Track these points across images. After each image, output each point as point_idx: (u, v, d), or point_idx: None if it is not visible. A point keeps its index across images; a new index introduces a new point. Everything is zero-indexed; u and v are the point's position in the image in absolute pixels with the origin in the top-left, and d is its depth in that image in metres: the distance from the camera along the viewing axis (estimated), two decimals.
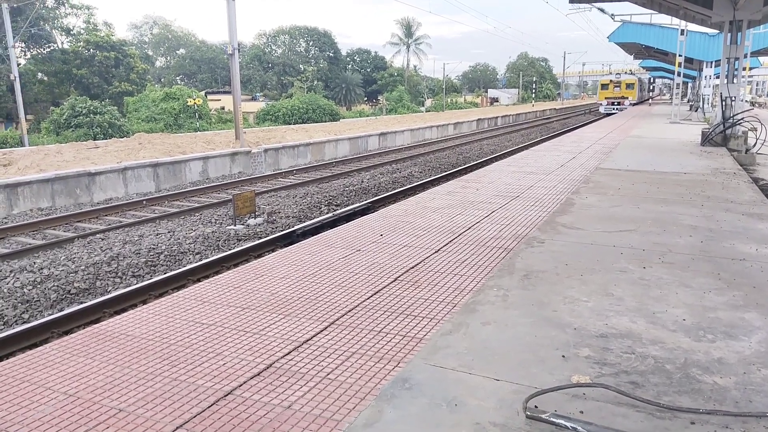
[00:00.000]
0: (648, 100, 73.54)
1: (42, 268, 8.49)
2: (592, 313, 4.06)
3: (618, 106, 49.19)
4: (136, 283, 7.76)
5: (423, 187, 14.67)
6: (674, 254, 5.48)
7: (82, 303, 7.07)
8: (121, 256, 9.06)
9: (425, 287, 4.76)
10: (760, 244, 5.84)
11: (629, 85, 51.44)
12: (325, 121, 41.31)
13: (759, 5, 16.38)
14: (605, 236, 6.18)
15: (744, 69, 25.93)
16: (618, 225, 6.70)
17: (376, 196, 13.98)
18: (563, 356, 3.39)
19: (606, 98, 51.47)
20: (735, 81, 17.05)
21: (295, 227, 10.29)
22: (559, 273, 4.95)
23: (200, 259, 8.90)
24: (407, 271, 5.21)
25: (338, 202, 13.53)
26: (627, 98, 50.27)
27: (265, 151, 19.85)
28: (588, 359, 3.34)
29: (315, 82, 70.47)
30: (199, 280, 7.49)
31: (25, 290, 7.59)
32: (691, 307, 4.14)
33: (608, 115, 44.59)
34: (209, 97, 52.77)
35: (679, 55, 28.79)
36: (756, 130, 17.10)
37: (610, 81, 52.46)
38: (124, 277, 8.21)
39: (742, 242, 5.91)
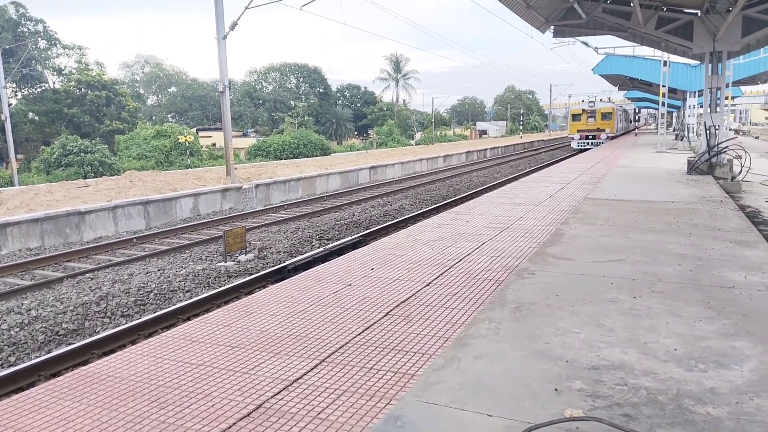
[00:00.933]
0: (634, 130, 73.30)
1: (30, 309, 8.38)
2: (584, 344, 4.05)
3: (593, 140, 41.29)
4: (126, 323, 7.67)
5: (414, 219, 14.71)
6: (664, 283, 5.50)
7: (70, 344, 6.97)
8: (110, 295, 8.97)
9: (416, 321, 4.74)
10: (749, 271, 5.88)
11: (606, 115, 42.48)
12: (316, 156, 41.55)
13: (737, 37, 16.82)
14: (595, 266, 6.20)
15: (726, 98, 26.47)
16: (607, 255, 6.73)
17: (367, 229, 13.99)
18: (556, 389, 3.37)
19: (578, 131, 42.89)
20: (718, 110, 17.38)
21: (286, 262, 10.25)
22: (551, 304, 4.95)
23: (190, 297, 8.82)
24: (398, 305, 5.19)
25: (329, 236, 13.53)
26: (604, 130, 41.78)
27: (256, 186, 19.90)
28: (581, 392, 3.32)
29: (306, 118, 71.07)
30: (189, 319, 7.42)
31: (12, 332, 7.48)
32: (682, 337, 4.14)
33: (582, 151, 37.71)
34: (200, 133, 53.07)
35: (663, 86, 29.38)
36: (741, 158, 17.37)
37: (583, 111, 43.39)
38: (113, 317, 8.12)
39: (730, 270, 5.94)
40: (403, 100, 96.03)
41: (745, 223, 8.75)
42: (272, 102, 78.15)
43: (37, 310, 8.33)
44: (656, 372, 3.57)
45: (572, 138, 43.64)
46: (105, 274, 10.44)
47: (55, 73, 52.08)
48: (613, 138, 42.82)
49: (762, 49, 23.53)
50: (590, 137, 41.62)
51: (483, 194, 15.91)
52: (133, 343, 6.73)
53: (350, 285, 5.91)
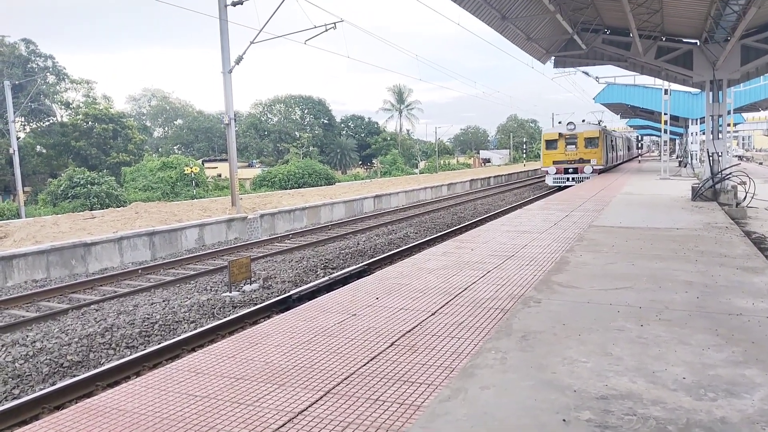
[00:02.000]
0: (637, 157, 73.46)
1: (35, 341, 8.36)
2: (592, 373, 4.01)
3: (574, 175, 31.77)
4: (130, 355, 7.64)
5: (419, 247, 14.70)
6: (671, 311, 5.46)
7: (74, 376, 6.93)
8: (115, 326, 8.95)
9: (422, 352, 4.71)
10: (756, 298, 5.83)
11: (590, 141, 32.07)
12: (321, 185, 41.78)
13: (736, 65, 17.00)
14: (601, 294, 6.17)
15: (728, 125, 26.63)
16: (614, 282, 6.69)
17: (372, 258, 13.98)
18: (564, 420, 3.33)
19: (554, 162, 32.60)
20: (720, 137, 17.47)
21: (291, 292, 10.23)
22: (557, 333, 4.91)
23: (195, 328, 8.79)
24: (404, 335, 5.16)
25: (334, 265, 13.51)
26: (588, 162, 31.79)
27: (261, 216, 19.97)
28: (589, 422, 3.28)
29: (310, 148, 71.73)
30: (193, 350, 7.39)
31: (16, 365, 7.45)
32: (690, 365, 4.10)
33: (560, 188, 29.47)
34: (206, 165, 53.54)
35: (664, 114, 29.56)
36: (745, 184, 17.37)
37: (560, 135, 32.67)
38: (117, 349, 8.08)
39: (738, 297, 5.90)
40: (407, 130, 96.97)
41: (751, 250, 8.71)
42: (277, 133, 78.94)
43: (42, 342, 8.31)
44: (665, 401, 3.52)
45: (546, 172, 33.21)
46: (110, 306, 10.43)
47: (63, 107, 52.91)
48: (601, 171, 32.67)
49: (762, 76, 23.73)
50: (570, 170, 32.09)
51: (487, 222, 15.91)
52: (138, 374, 6.70)
53: (355, 315, 5.89)
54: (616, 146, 43.13)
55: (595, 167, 31.89)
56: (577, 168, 31.98)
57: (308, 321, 5.75)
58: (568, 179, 31.87)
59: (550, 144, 33.21)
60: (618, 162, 45.47)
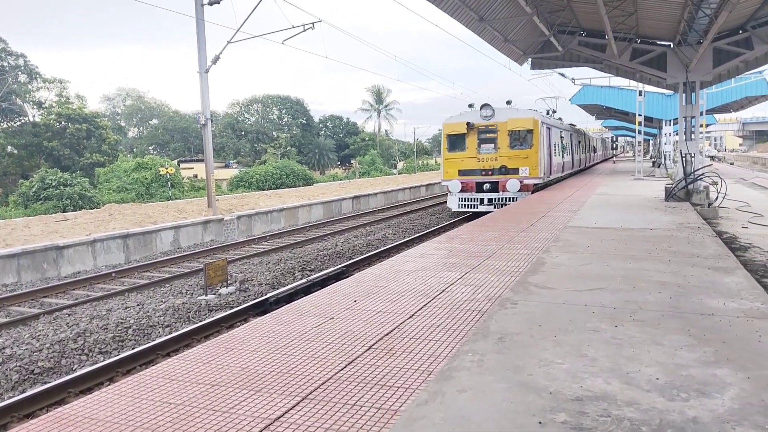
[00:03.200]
0: (612, 158, 74.52)
1: (4, 348, 8.17)
2: (567, 375, 4.04)
3: (492, 195, 20.45)
4: (103, 361, 7.50)
5: (397, 249, 14.72)
6: (645, 311, 5.53)
7: (45, 384, 6.79)
8: (88, 332, 8.79)
9: (400, 355, 4.70)
10: (727, 298, 5.94)
11: (518, 138, 20.52)
12: (299, 186, 41.58)
13: (709, 68, 17.34)
14: (576, 295, 6.23)
15: (701, 126, 27.15)
16: (589, 283, 6.76)
17: (350, 259, 13.96)
18: (540, 422, 3.34)
19: (460, 173, 20.90)
20: (693, 138, 17.79)
21: (268, 295, 10.16)
22: (533, 335, 4.94)
23: (170, 333, 8.68)
24: (381, 338, 5.15)
25: (312, 267, 13.45)
26: (516, 171, 20.29)
27: (238, 218, 19.80)
28: (564, 424, 3.30)
29: (288, 148, 71.34)
30: (168, 355, 7.29)
31: None
32: (663, 366, 4.15)
33: (476, 215, 18.80)
34: (182, 165, 52.91)
35: (639, 115, 30.02)
36: (717, 184, 17.71)
37: (468, 126, 20.71)
38: (90, 355, 7.94)
39: (710, 297, 6.00)
40: (385, 131, 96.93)
41: (722, 250, 8.88)
42: (254, 133, 78.39)
43: (12, 349, 8.12)
44: (639, 402, 3.56)
45: (448, 189, 21.18)
46: (83, 310, 10.25)
47: (35, 106, 51.83)
48: (541, 188, 21.44)
49: (733, 78, 24.23)
50: (487, 187, 20.44)
51: (465, 223, 16.00)
52: (111, 381, 6.59)
53: (333, 318, 5.86)
54: (582, 145, 34.33)
55: (527, 179, 20.14)
56: (497, 182, 20.31)
57: (285, 325, 5.71)
58: (479, 204, 20.49)
59: (455, 142, 21.07)
60: (590, 164, 40.10)
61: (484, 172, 20.47)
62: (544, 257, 8.54)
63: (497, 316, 5.57)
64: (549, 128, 22.93)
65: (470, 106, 21.42)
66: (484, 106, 20.61)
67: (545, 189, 21.83)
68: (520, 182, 20.02)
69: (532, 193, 20.22)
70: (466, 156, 20.70)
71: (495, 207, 19.71)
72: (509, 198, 20.06)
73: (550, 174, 22.96)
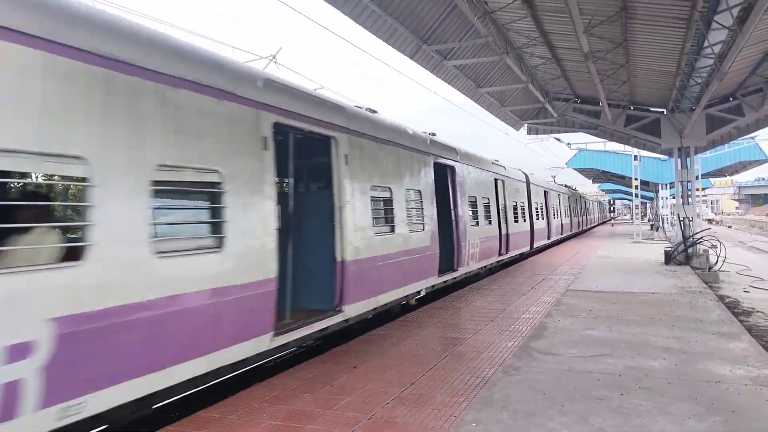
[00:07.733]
0: (610, 220, 75.14)
1: None
2: None
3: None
4: None
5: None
6: (650, 378, 5.44)
7: None
8: None
9: (400, 427, 4.59)
10: (734, 364, 5.86)
11: None
12: None
13: (702, 134, 17.73)
14: (580, 361, 6.14)
15: (697, 189, 27.46)
16: (592, 349, 6.68)
17: None
18: None
19: None
20: (690, 201, 17.96)
21: None
22: (538, 403, 4.84)
23: None
24: (384, 405, 5.03)
25: None
26: None
27: None
28: None
29: None
30: None
31: None
32: None
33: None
34: None
35: (635, 179, 30.37)
36: (716, 248, 17.72)
37: None
38: None
39: (715, 363, 5.92)
40: None
41: (725, 314, 8.81)
42: None
43: None
44: None
45: None
46: None
47: None
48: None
49: (727, 144, 24.71)
50: None
51: (465, 286, 15.88)
52: None
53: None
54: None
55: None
56: None
57: None
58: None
59: None
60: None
61: None
62: (546, 321, 8.46)
63: (501, 383, 5.47)
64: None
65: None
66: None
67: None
68: None
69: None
70: None
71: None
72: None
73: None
